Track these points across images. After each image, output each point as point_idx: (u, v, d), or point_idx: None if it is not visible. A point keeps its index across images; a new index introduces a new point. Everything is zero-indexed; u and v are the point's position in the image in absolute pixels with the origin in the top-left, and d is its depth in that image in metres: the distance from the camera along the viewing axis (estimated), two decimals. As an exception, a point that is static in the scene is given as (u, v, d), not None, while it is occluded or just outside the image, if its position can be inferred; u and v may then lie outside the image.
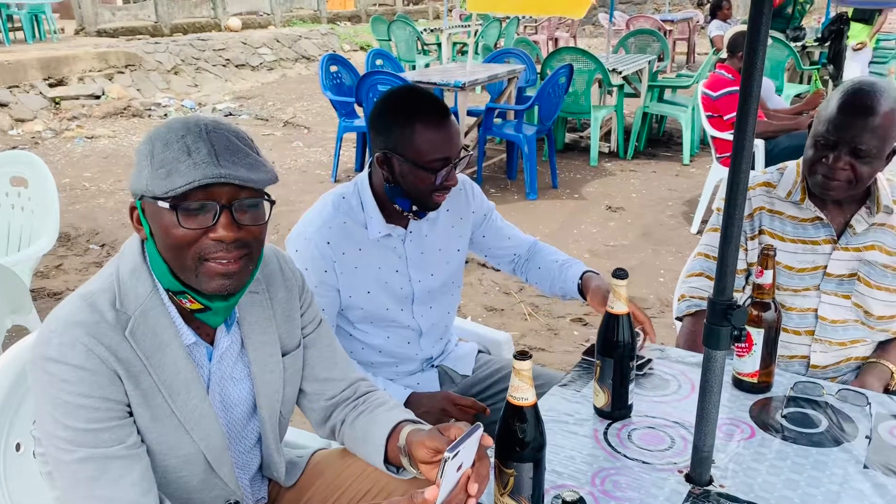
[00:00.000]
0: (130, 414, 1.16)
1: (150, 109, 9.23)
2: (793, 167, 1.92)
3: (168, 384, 1.19)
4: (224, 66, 11.82)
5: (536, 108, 5.93)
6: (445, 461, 1.03)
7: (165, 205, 1.11)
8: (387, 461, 1.32)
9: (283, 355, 1.36)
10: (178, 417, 1.20)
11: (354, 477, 1.45)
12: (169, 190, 1.10)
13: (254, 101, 10.26)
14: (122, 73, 10.14)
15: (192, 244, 1.14)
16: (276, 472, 1.43)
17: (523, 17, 12.68)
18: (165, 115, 9.01)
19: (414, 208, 1.76)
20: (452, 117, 1.72)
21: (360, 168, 6.51)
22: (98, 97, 9.38)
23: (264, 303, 1.34)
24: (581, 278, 1.93)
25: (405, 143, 1.67)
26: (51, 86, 9.19)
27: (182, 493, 1.24)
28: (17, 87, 8.86)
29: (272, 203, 1.21)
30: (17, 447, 1.46)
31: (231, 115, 9.23)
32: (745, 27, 5.16)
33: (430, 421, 1.40)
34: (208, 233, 1.14)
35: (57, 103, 8.96)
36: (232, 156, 1.13)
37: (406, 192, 1.72)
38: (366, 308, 1.81)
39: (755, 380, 1.60)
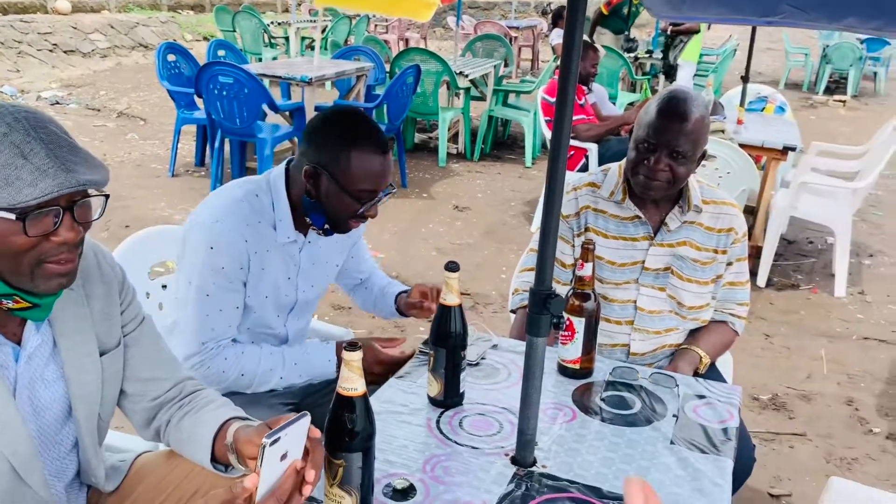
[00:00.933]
0: None
1: (-38, 94, 8.41)
2: (615, 169, 2.06)
3: None
4: (51, 51, 10.97)
5: (385, 106, 5.96)
6: (264, 447, 1.01)
7: (10, 216, 1.03)
8: (214, 460, 1.28)
9: (102, 355, 1.29)
10: None
11: (181, 479, 1.40)
12: (17, 203, 1.01)
13: (84, 89, 9.59)
14: (-70, 52, 9.18)
15: (30, 248, 1.07)
16: (94, 478, 1.35)
17: (374, 16, 12.68)
18: (-19, 100, 8.23)
19: (326, 227, 1.75)
20: (390, 153, 1.71)
21: (200, 163, 6.26)
22: None
23: (79, 300, 1.26)
24: (395, 300, 2.11)
25: (339, 165, 1.64)
26: None
27: None
28: None
29: (107, 197, 1.15)
30: None
31: (58, 103, 8.58)
32: (606, 37, 5.46)
33: None
34: (49, 236, 1.07)
35: None
36: (70, 154, 1.06)
37: (324, 211, 1.70)
38: (257, 313, 1.77)
39: (577, 366, 1.70)
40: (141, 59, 12.30)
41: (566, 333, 1.67)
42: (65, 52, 11.18)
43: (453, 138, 7.39)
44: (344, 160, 1.64)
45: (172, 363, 1.42)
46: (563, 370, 1.71)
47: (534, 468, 1.37)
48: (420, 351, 1.82)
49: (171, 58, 6.07)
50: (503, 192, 6.24)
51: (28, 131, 1.04)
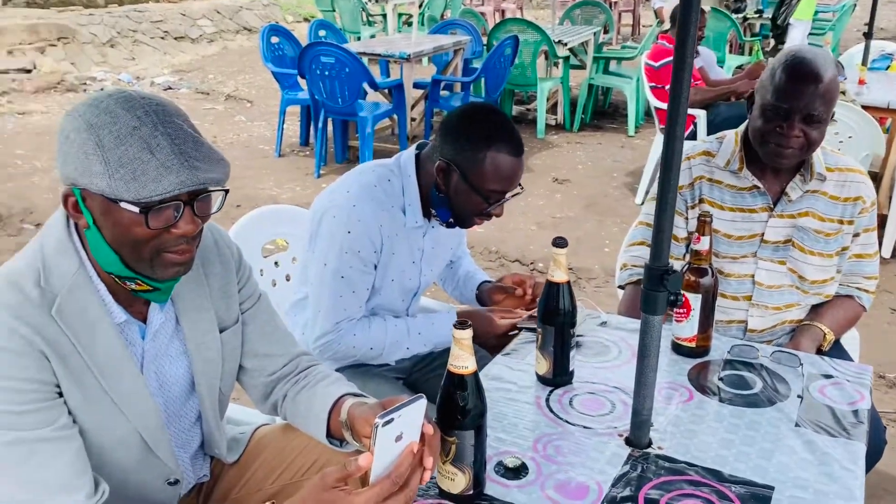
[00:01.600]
0: (60, 395, 1.12)
1: (84, 84, 8.91)
2: (731, 136, 1.95)
3: (99, 364, 1.15)
4: (162, 38, 11.46)
5: (483, 80, 5.91)
6: (377, 428, 1.01)
7: (134, 209, 1.07)
8: (330, 435, 1.31)
9: (221, 331, 1.34)
10: (111, 398, 1.17)
11: (298, 451, 1.44)
12: (142, 197, 1.05)
13: (194, 74, 9.99)
14: (55, 45, 9.75)
15: (151, 239, 1.11)
16: (217, 450, 1.41)
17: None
18: (101, 89, 8.71)
19: (450, 221, 1.78)
20: (522, 156, 1.71)
21: (304, 142, 6.41)
22: (29, 71, 9.01)
23: (199, 279, 1.31)
24: (479, 287, 2.10)
25: (472, 164, 1.65)
26: (-23, 59, 8.80)
27: (119, 474, 1.21)
28: (-59, 60, 8.46)
29: (226, 192, 1.19)
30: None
31: (171, 88, 8.97)
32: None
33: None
34: (170, 229, 1.11)
35: (-15, 77, 8.58)
36: (194, 150, 1.09)
37: (451, 207, 1.73)
38: (382, 296, 1.82)
39: (693, 344, 1.63)
40: (245, 42, 12.68)
41: (681, 310, 1.60)
42: (175, 38, 11.65)
43: (552, 109, 7.26)
44: (479, 160, 1.65)
45: (288, 339, 1.45)
46: (678, 348, 1.65)
47: (649, 450, 1.33)
48: (520, 327, 1.81)
49: (274, 40, 6.21)
50: (605, 162, 6.09)
51: (156, 125, 1.07)
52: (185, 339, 1.29)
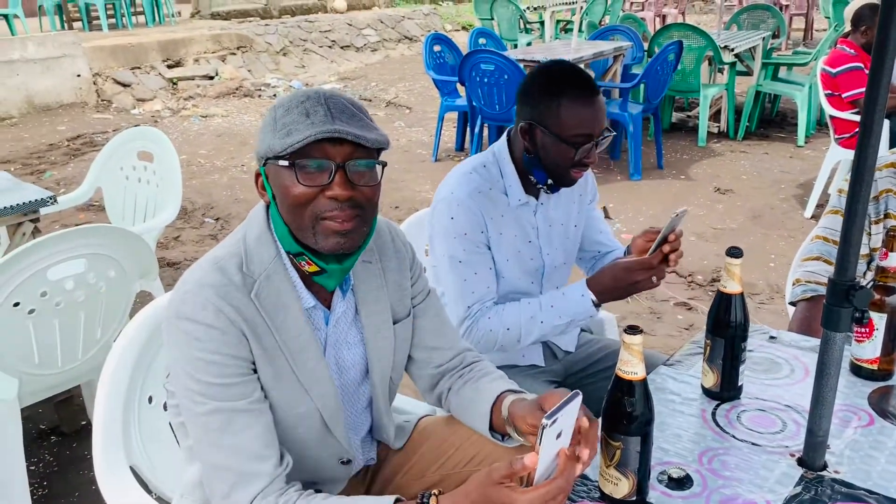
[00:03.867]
0: (255, 371, 1.23)
1: (259, 89, 9.57)
2: (923, 146, 1.82)
3: (289, 345, 1.25)
4: (330, 47, 12.09)
5: (643, 86, 5.79)
6: (544, 428, 1.03)
7: (285, 163, 1.18)
8: (492, 429, 1.35)
9: (395, 323, 1.41)
10: (298, 376, 1.27)
11: (458, 444, 1.48)
12: (287, 146, 1.16)
13: (358, 81, 10.46)
14: (234, 54, 10.55)
15: (308, 202, 1.19)
16: (385, 434, 1.48)
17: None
18: (274, 95, 9.31)
19: (549, 182, 1.78)
20: (601, 95, 1.72)
21: (460, 148, 6.55)
22: (212, 78, 9.80)
23: (377, 272, 1.39)
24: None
25: (551, 115, 1.69)
26: (169, 67, 9.66)
27: (299, 449, 1.31)
28: (139, 68, 9.37)
29: (384, 165, 1.25)
30: (150, 400, 1.58)
31: (336, 94, 9.44)
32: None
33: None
34: (324, 191, 1.19)
35: (174, 84, 9.42)
36: (347, 117, 1.18)
37: (544, 165, 1.75)
38: (505, 277, 1.84)
39: (875, 366, 1.53)
40: (406, 50, 13.13)
41: (863, 330, 1.51)
42: (341, 47, 12.26)
43: (714, 116, 6.99)
44: (554, 110, 1.68)
45: (454, 334, 1.51)
46: (858, 370, 1.55)
47: (824, 472, 1.27)
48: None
49: (436, 48, 6.40)
50: (771, 173, 5.79)
51: (319, 99, 1.19)
52: (362, 328, 1.37)
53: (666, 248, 1.66)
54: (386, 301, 1.40)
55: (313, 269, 1.26)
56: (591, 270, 2.10)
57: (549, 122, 1.69)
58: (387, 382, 1.44)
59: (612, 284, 1.71)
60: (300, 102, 1.19)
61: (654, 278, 1.68)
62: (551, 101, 1.68)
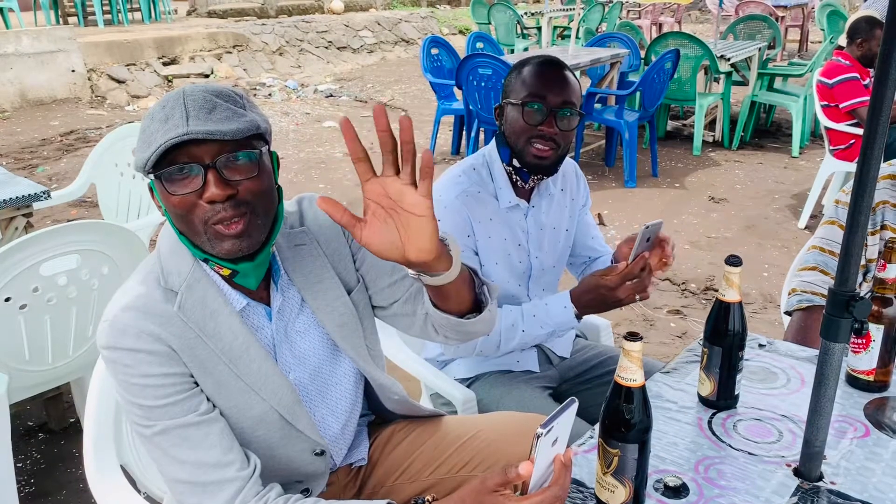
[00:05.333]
0: (196, 384, 1.20)
1: (255, 89, 9.55)
2: (921, 159, 1.82)
3: (227, 351, 1.21)
4: (326, 48, 12.08)
5: (639, 93, 5.80)
6: (538, 437, 1.01)
7: (151, 176, 1.13)
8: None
9: (349, 294, 1.35)
10: (243, 380, 1.23)
11: (453, 448, 1.47)
12: (146, 160, 1.10)
13: (354, 83, 10.45)
14: (230, 53, 10.53)
15: (191, 210, 1.13)
16: (395, 394, 1.45)
17: (627, 1, 12.38)
18: (270, 94, 9.29)
19: (515, 163, 1.78)
20: (568, 72, 1.76)
21: (455, 152, 6.55)
22: (207, 76, 9.77)
23: (314, 251, 1.32)
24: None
25: (511, 87, 1.77)
26: (164, 64, 9.63)
27: (265, 451, 1.28)
28: (134, 65, 9.34)
29: (263, 151, 1.17)
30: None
31: (332, 96, 9.43)
32: (867, 12, 4.89)
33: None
34: (201, 195, 1.12)
35: (170, 81, 9.39)
36: (206, 113, 1.10)
37: (507, 139, 1.78)
38: (492, 279, 1.83)
39: (871, 378, 1.53)
40: (402, 53, 13.13)
41: (859, 341, 1.51)
42: (338, 48, 12.26)
43: (709, 125, 7.01)
44: (514, 78, 1.76)
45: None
46: (854, 381, 1.55)
47: (820, 483, 1.26)
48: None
49: (434, 51, 6.40)
50: (765, 183, 5.81)
51: (178, 99, 1.12)
52: (313, 311, 1.32)
53: (653, 259, 1.66)
54: (333, 276, 1.33)
55: (227, 272, 1.21)
56: (581, 275, 2.09)
57: (510, 93, 1.76)
58: (365, 352, 1.38)
59: (595, 299, 1.72)
60: (161, 107, 1.12)
61: (637, 296, 1.68)
62: (514, 74, 1.77)
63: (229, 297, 1.23)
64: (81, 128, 7.51)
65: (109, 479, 1.45)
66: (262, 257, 1.22)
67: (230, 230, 1.13)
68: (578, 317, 1.75)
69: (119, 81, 9.02)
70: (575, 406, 1.08)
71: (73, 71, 8.73)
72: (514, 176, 1.81)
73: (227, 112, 1.12)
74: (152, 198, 1.19)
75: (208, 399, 1.21)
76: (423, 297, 1.32)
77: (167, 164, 1.11)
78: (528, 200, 1.85)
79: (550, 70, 1.75)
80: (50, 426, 2.77)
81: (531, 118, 1.71)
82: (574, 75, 1.78)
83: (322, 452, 1.36)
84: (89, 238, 2.17)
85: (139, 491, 1.51)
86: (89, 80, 8.90)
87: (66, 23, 11.01)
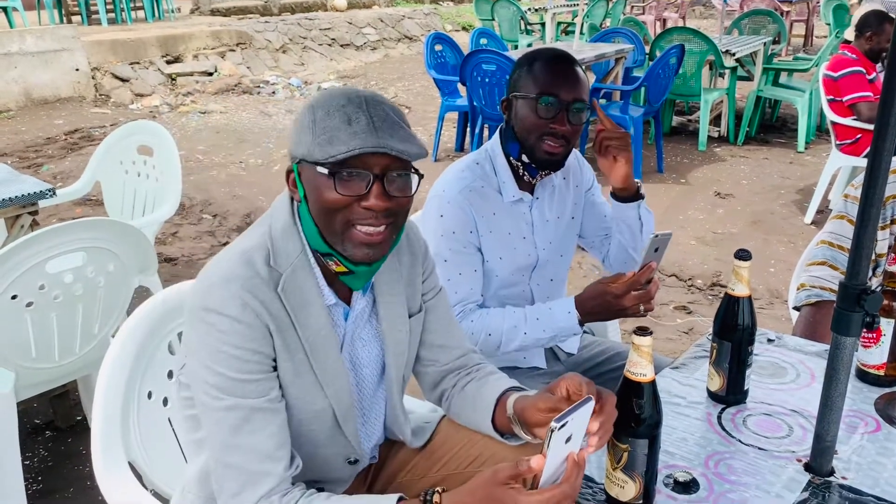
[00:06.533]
0: (275, 369, 1.22)
1: (258, 86, 9.55)
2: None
3: (310, 341, 1.24)
4: (329, 45, 12.07)
5: (644, 89, 5.78)
6: (552, 431, 1.00)
7: (324, 170, 1.16)
8: (494, 426, 1.34)
9: (410, 317, 1.40)
10: (316, 374, 1.25)
11: (463, 443, 1.46)
12: (329, 156, 1.14)
13: (357, 80, 10.44)
14: (234, 50, 10.52)
15: (342, 209, 1.18)
16: (400, 432, 1.46)
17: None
18: (273, 92, 9.29)
19: (524, 159, 1.77)
20: (576, 67, 1.74)
21: (459, 148, 6.54)
22: (211, 74, 9.77)
23: (394, 264, 1.37)
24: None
25: (522, 80, 1.74)
26: (168, 62, 9.63)
27: (309, 447, 1.29)
28: (138, 63, 9.34)
29: (420, 177, 1.24)
30: (149, 395, 1.56)
31: (336, 93, 9.41)
32: (876, 6, 4.87)
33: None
34: (360, 201, 1.17)
35: (173, 79, 9.39)
36: (388, 128, 1.16)
37: (517, 135, 1.76)
38: (499, 276, 1.83)
39: (881, 372, 1.52)
40: (405, 50, 13.12)
41: (870, 335, 1.50)
42: (341, 45, 12.24)
43: (715, 121, 6.99)
44: (525, 74, 1.73)
45: (461, 334, 1.50)
46: (864, 376, 1.54)
47: (832, 478, 1.26)
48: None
49: (437, 48, 6.39)
50: (771, 178, 5.79)
51: (360, 105, 1.17)
52: (379, 322, 1.36)
53: (642, 276, 1.65)
54: (402, 294, 1.39)
55: (341, 269, 1.25)
56: (601, 252, 2.04)
57: (521, 87, 1.74)
58: (402, 380, 1.42)
59: (600, 306, 1.71)
60: (341, 106, 1.17)
61: (641, 307, 1.68)
62: (524, 69, 1.74)
63: (323, 290, 1.27)
64: (86, 126, 7.52)
65: (117, 476, 1.45)
66: (379, 265, 1.28)
67: (372, 238, 1.20)
68: (581, 323, 1.74)
69: (123, 80, 9.02)
70: (591, 405, 1.07)
71: (76, 70, 8.73)
72: (521, 171, 1.80)
73: (406, 132, 1.19)
74: (287, 180, 1.25)
75: (279, 387, 1.22)
76: (453, 385, 1.45)
77: (341, 166, 1.15)
78: (532, 193, 1.85)
79: (563, 65, 1.73)
80: (57, 424, 2.77)
81: (545, 113, 1.70)
82: (583, 70, 1.77)
83: (356, 461, 1.38)
84: (95, 235, 2.17)
85: (147, 487, 1.51)
86: (93, 78, 8.91)
87: (69, 21, 11.02)
